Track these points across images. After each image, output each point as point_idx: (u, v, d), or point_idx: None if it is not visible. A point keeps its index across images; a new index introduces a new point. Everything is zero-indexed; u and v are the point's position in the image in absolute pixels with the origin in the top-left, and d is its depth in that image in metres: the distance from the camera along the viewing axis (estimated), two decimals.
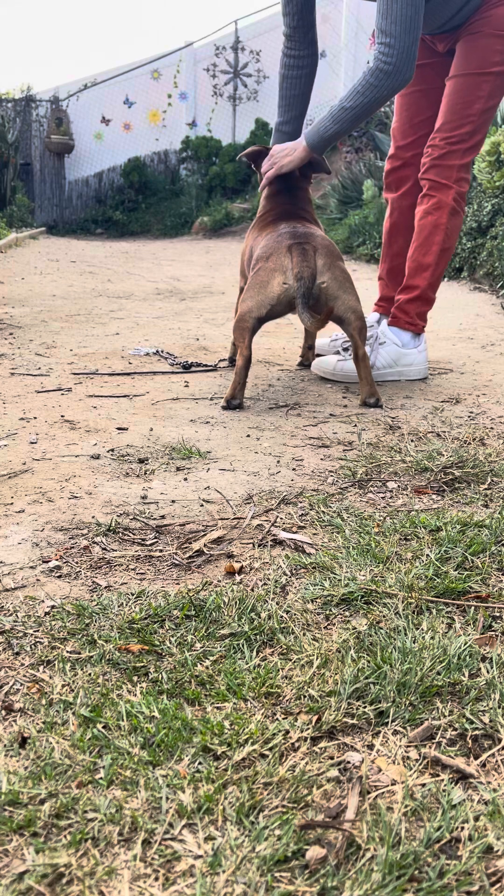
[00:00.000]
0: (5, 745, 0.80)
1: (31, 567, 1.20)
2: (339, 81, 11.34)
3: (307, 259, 2.10)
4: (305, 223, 2.29)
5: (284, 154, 2.37)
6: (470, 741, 0.82)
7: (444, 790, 0.75)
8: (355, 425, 2.02)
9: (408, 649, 0.95)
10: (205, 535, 1.33)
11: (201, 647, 0.98)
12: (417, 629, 1.02)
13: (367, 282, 5.21)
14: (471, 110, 2.39)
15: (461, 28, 2.37)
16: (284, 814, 0.71)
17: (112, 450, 1.76)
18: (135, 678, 0.91)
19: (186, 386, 2.40)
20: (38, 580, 1.16)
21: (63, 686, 0.89)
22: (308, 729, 0.83)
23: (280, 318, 3.76)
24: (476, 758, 0.80)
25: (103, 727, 0.82)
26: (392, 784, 0.76)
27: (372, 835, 0.69)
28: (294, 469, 1.67)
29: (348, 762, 0.78)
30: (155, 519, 1.39)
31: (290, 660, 0.95)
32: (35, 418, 1.99)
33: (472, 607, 1.08)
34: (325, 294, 2.15)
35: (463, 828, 0.70)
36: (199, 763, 0.77)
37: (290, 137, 2.61)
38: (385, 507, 1.46)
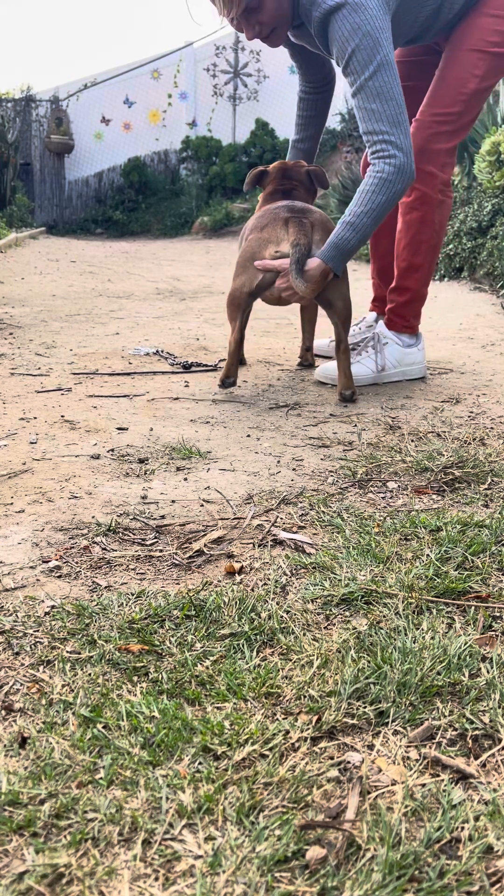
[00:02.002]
0: (5, 745, 0.79)
1: (31, 567, 1.20)
2: (340, 82, 11.32)
3: (304, 230, 2.08)
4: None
5: (295, 284, 2.06)
6: (470, 741, 0.82)
7: (444, 790, 0.75)
8: (355, 425, 2.02)
9: (408, 649, 0.95)
10: (205, 535, 1.33)
11: (201, 647, 0.98)
12: (417, 629, 1.02)
13: (366, 281, 5.20)
14: (464, 88, 2.27)
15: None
16: (284, 814, 0.71)
17: (112, 450, 1.76)
18: (135, 678, 0.91)
19: (186, 386, 2.40)
20: (38, 580, 1.16)
21: (63, 686, 0.89)
22: (308, 729, 0.83)
23: (280, 319, 3.77)
24: (476, 758, 0.80)
25: (103, 727, 0.82)
26: (392, 784, 0.76)
27: (372, 835, 0.69)
28: (294, 469, 1.67)
29: (348, 762, 0.78)
30: (155, 519, 1.39)
31: (290, 660, 0.95)
32: (35, 418, 1.99)
33: (472, 607, 1.08)
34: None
35: (463, 828, 0.70)
36: (199, 763, 0.77)
37: (304, 154, 2.63)
38: (385, 507, 1.46)
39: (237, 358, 2.21)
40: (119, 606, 1.07)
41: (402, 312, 2.50)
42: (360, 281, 5.28)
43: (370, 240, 2.71)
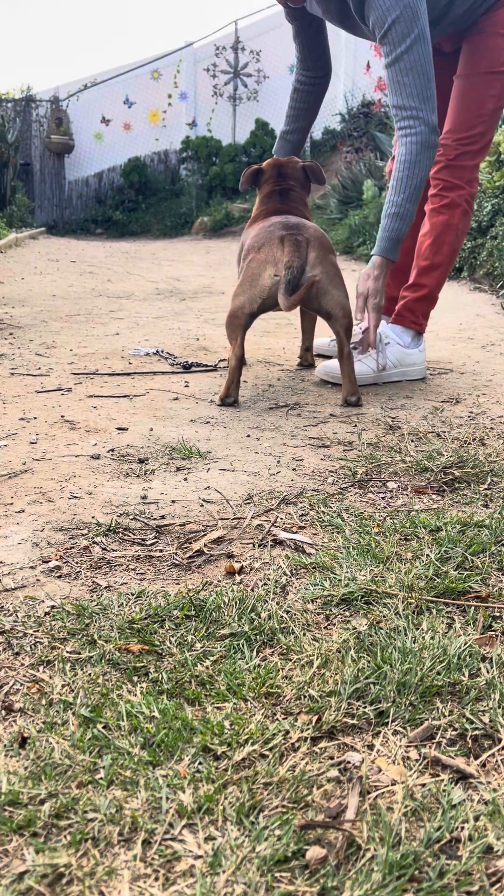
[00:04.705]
0: (5, 745, 0.79)
1: (31, 567, 1.20)
2: (340, 82, 11.33)
3: (299, 250, 2.10)
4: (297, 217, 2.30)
5: (370, 285, 2.25)
6: (470, 741, 0.82)
7: (444, 790, 0.75)
8: (355, 425, 2.02)
9: (408, 649, 0.95)
10: (205, 535, 1.33)
11: (201, 647, 0.98)
12: (417, 629, 1.02)
13: None
14: (482, 110, 2.39)
15: (466, 28, 2.38)
16: (284, 814, 0.71)
17: (112, 450, 1.76)
18: (135, 678, 0.91)
19: (186, 386, 2.40)
20: (38, 580, 1.16)
21: (63, 686, 0.89)
22: (308, 729, 0.83)
23: (280, 319, 3.77)
24: (476, 758, 0.80)
25: (103, 727, 0.82)
26: (392, 784, 0.76)
27: (372, 835, 0.69)
28: (294, 469, 1.67)
29: (348, 762, 0.78)
30: (155, 519, 1.39)
31: (290, 660, 0.95)
32: (35, 418, 1.99)
33: (472, 607, 1.08)
34: (316, 287, 2.14)
35: (463, 828, 0.70)
36: (199, 763, 0.77)
37: (293, 146, 2.66)
38: (385, 507, 1.46)
39: (238, 376, 2.18)
40: (119, 606, 1.07)
41: (413, 307, 2.55)
42: None
43: None
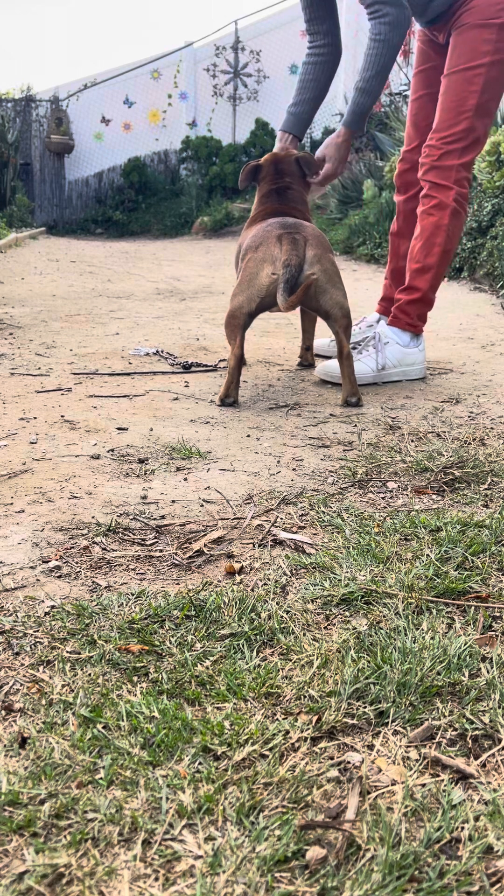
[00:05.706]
0: (5, 745, 0.79)
1: (31, 567, 1.20)
2: (339, 81, 11.33)
3: (297, 248, 2.10)
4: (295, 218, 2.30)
5: (330, 150, 2.49)
6: (470, 741, 0.82)
7: (444, 790, 0.75)
8: (355, 425, 2.02)
9: (408, 649, 0.95)
10: (205, 535, 1.33)
11: (201, 648, 0.98)
12: (417, 629, 1.02)
13: (367, 282, 5.20)
14: (464, 107, 2.36)
15: (450, 19, 2.38)
16: (284, 814, 0.71)
17: (112, 450, 1.76)
18: (135, 678, 0.91)
19: (186, 386, 2.40)
20: (38, 580, 1.16)
21: (63, 686, 0.89)
22: (308, 729, 0.83)
23: (280, 319, 3.77)
24: (476, 758, 0.80)
25: (103, 727, 0.82)
26: (392, 784, 0.76)
27: (372, 835, 0.69)
28: (294, 469, 1.67)
29: (348, 762, 0.78)
30: (155, 519, 1.39)
31: (290, 660, 0.95)
32: (35, 418, 1.99)
33: (472, 607, 1.08)
34: (314, 286, 2.14)
35: (463, 828, 0.70)
36: (199, 763, 0.77)
37: (296, 119, 2.64)
38: (385, 507, 1.46)
39: (238, 375, 2.18)
40: (119, 606, 1.07)
41: (407, 309, 2.54)
42: (360, 282, 5.27)
43: (391, 241, 2.80)
